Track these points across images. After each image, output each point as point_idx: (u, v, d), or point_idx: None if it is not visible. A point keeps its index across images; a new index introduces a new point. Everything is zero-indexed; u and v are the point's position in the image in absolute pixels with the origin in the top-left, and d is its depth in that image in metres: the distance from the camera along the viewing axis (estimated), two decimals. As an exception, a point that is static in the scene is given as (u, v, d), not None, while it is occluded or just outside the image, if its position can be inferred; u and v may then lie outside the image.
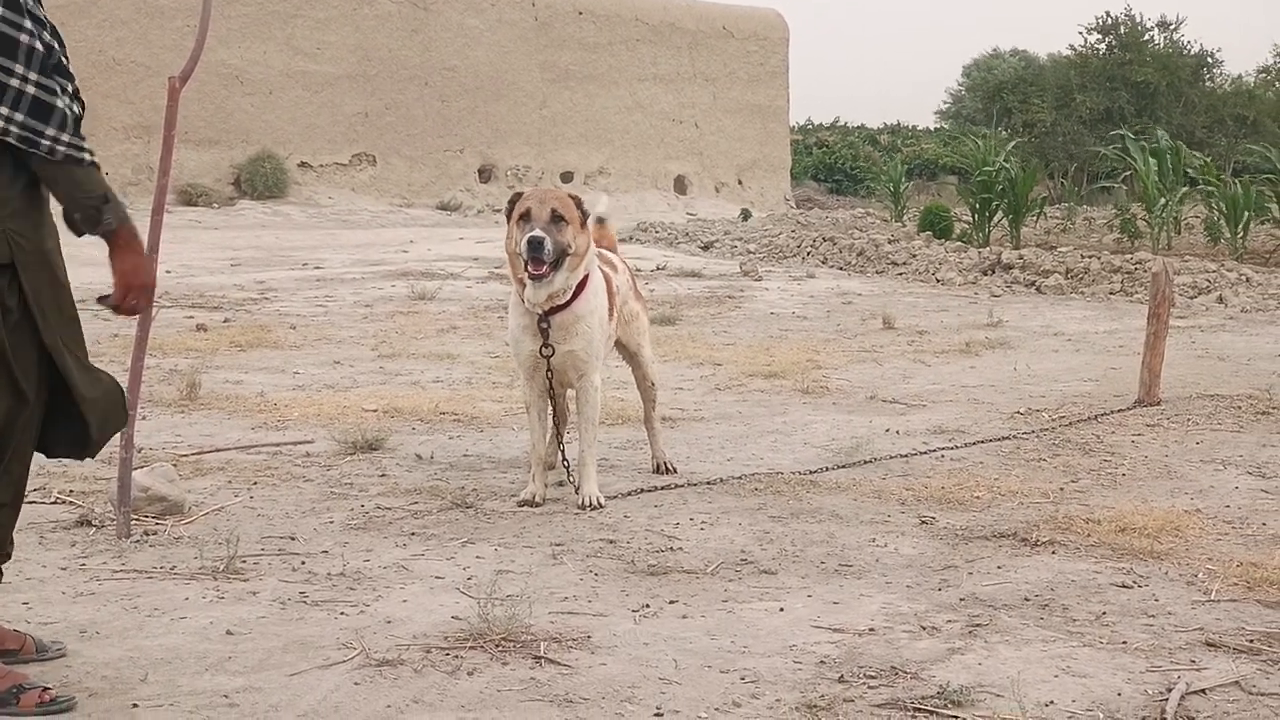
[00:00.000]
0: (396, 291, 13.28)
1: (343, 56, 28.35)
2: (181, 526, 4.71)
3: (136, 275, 3.21)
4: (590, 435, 5.17)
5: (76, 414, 3.21)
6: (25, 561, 4.25)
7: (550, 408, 5.47)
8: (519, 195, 5.03)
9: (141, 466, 4.94)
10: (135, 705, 3.17)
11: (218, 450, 5.96)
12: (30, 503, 4.90)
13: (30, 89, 2.99)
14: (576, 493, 5.19)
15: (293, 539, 4.60)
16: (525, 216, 4.92)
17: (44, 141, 3.00)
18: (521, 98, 31.16)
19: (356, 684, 3.32)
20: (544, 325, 5.06)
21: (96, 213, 3.11)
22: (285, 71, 27.58)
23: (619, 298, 5.44)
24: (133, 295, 3.22)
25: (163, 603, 3.91)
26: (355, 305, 12.21)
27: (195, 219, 23.65)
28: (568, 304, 5.05)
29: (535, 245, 4.81)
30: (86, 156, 3.08)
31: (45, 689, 3.15)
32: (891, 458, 6.01)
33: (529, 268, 4.87)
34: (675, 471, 5.68)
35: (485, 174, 30.97)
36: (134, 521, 4.59)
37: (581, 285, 5.06)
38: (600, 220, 5.53)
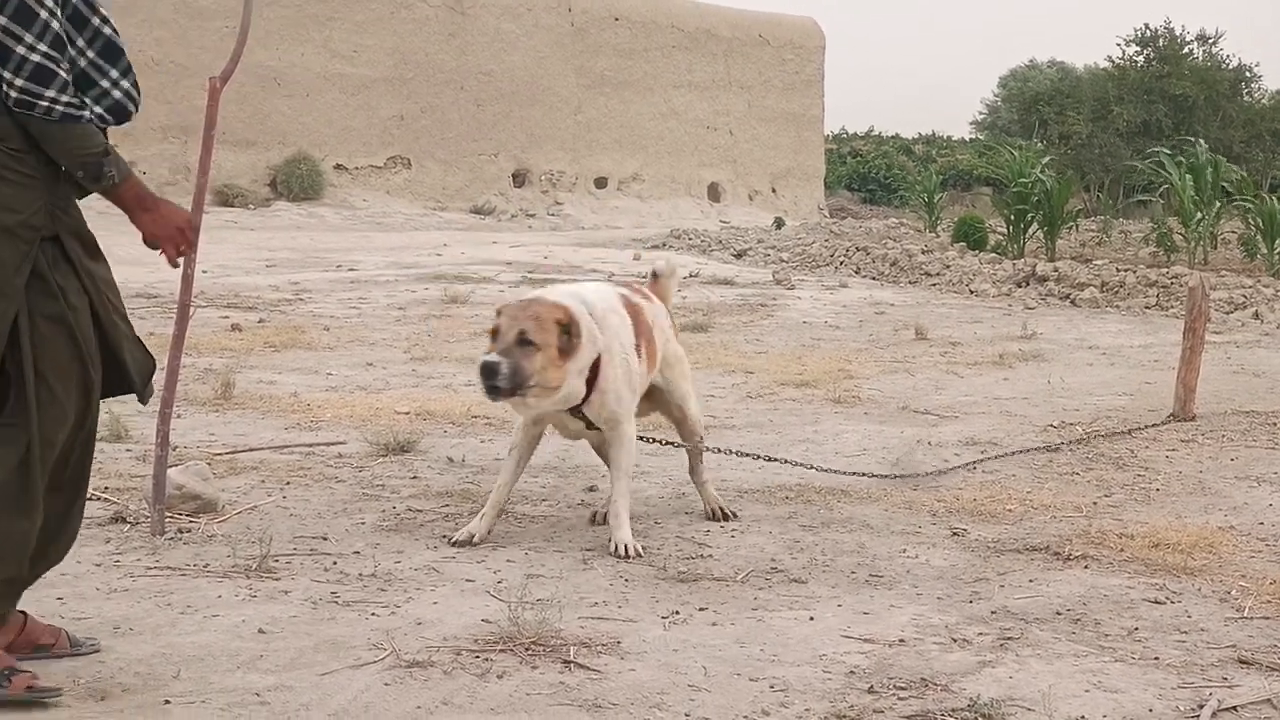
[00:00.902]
0: (430, 294, 13.32)
1: (379, 60, 28.51)
2: (215, 525, 4.73)
3: (161, 225, 3.31)
4: (623, 485, 4.71)
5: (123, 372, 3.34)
6: (60, 557, 4.29)
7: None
8: (499, 310, 4.55)
9: (176, 464, 4.97)
10: (167, 701, 3.19)
11: (251, 450, 6.00)
12: (66, 498, 4.96)
13: (35, 57, 3.08)
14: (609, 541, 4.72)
15: (325, 539, 4.63)
16: (494, 334, 4.46)
17: (42, 102, 3.08)
18: (556, 103, 31.24)
19: (387, 684, 3.33)
20: (575, 413, 4.67)
21: (98, 167, 3.18)
22: (322, 74, 27.74)
23: (658, 333, 4.99)
24: (169, 243, 3.32)
25: (195, 600, 3.93)
26: (389, 308, 12.26)
27: (231, 219, 23.82)
28: (585, 399, 4.61)
29: (486, 372, 4.33)
30: (85, 114, 3.14)
31: (35, 675, 3.17)
32: (929, 473, 5.99)
33: (486, 394, 4.43)
34: (736, 518, 5.07)
35: (519, 178, 31.07)
36: (168, 519, 4.62)
37: (595, 366, 4.58)
38: (655, 275, 5.32)
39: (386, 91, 28.51)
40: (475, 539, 4.61)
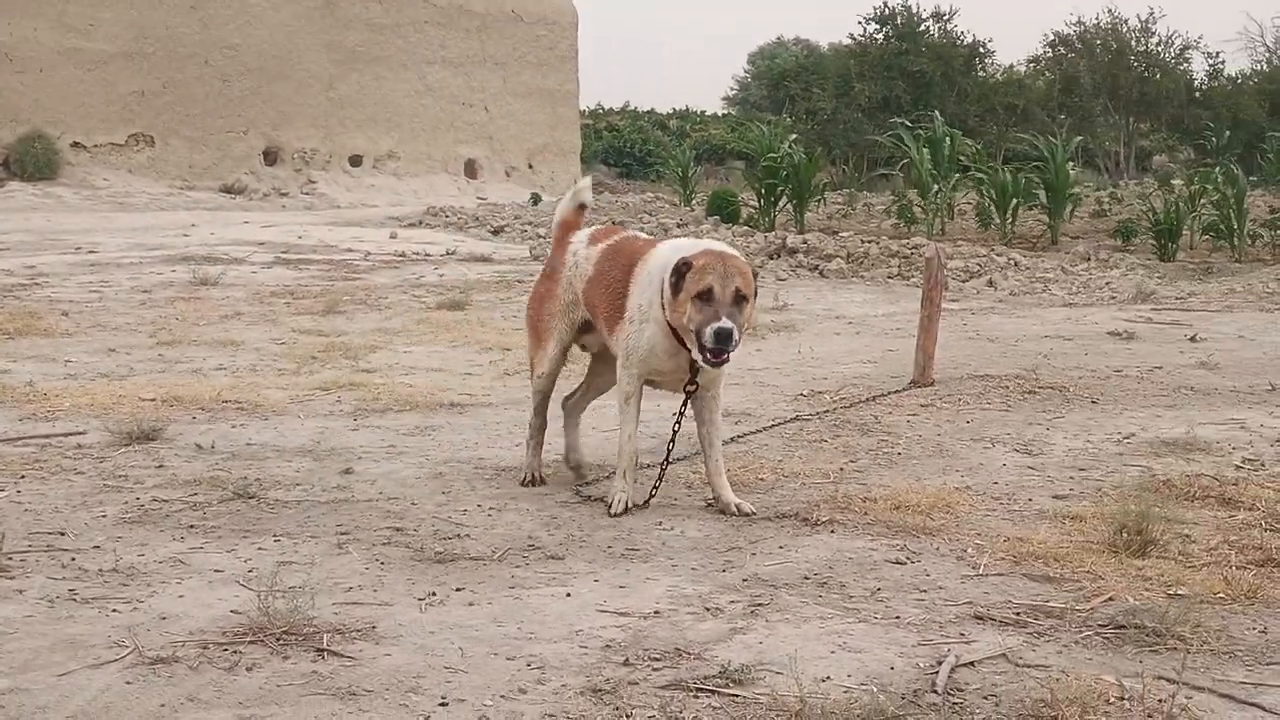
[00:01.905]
0: (177, 277, 12.89)
1: (117, 34, 27.39)
2: (-58, 524, 4.49)
3: None
4: (720, 445, 4.89)
5: None
6: None
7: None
8: (687, 264, 4.47)
9: (-103, 462, 4.70)
10: (-110, 714, 3.02)
11: (-18, 444, 5.71)
12: None
13: None
14: (716, 502, 4.89)
15: (62, 534, 4.44)
16: (707, 296, 4.43)
17: None
18: (307, 79, 30.56)
19: (129, 683, 3.21)
20: (695, 368, 4.71)
21: None
22: (56, 49, 26.51)
23: None
24: None
25: (-79, 605, 3.73)
26: (132, 291, 11.81)
27: (-41, 201, 22.57)
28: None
29: (724, 339, 4.39)
30: None
31: None
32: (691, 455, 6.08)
33: (709, 356, 4.45)
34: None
35: (271, 156, 30.30)
36: (-111, 520, 4.37)
37: None
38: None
39: (126, 66, 27.42)
40: (634, 503, 4.82)
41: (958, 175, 19.32)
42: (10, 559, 4.10)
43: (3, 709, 3.05)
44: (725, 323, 4.40)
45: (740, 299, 4.47)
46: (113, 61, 27.22)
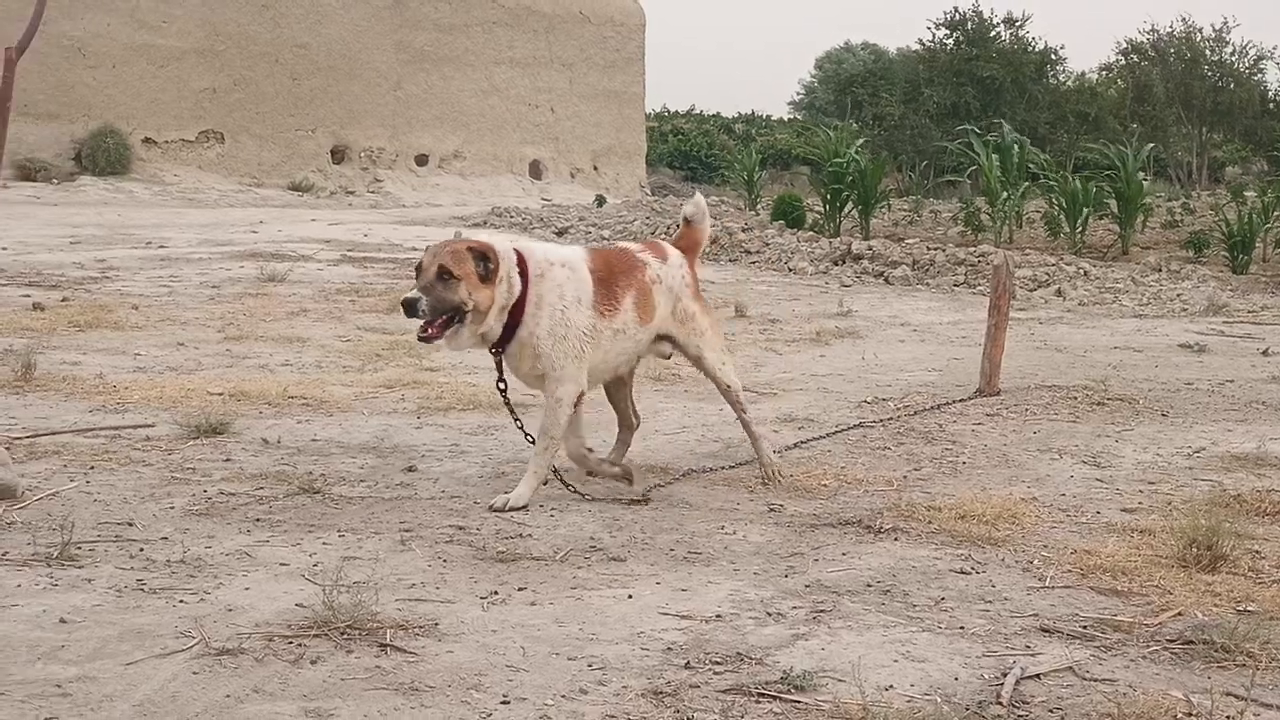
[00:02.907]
0: (245, 273, 13.02)
1: (190, 30, 27.71)
2: (14, 511, 4.56)
3: None
4: (541, 444, 4.96)
5: None
6: None
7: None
8: (425, 249, 4.88)
9: (-28, 450, 4.77)
10: (-38, 697, 3.06)
11: (53, 433, 5.79)
12: None
13: None
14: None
15: (131, 525, 4.49)
16: (415, 272, 4.80)
17: None
18: (376, 78, 30.79)
19: (195, 673, 3.25)
20: (498, 359, 4.99)
21: None
22: (130, 45, 26.86)
23: (662, 291, 5.23)
24: None
25: (-7, 591, 3.78)
26: (201, 286, 11.95)
27: (33, 194, 22.94)
28: (510, 336, 4.90)
29: (408, 308, 4.71)
30: None
31: None
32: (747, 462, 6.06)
33: (417, 331, 4.78)
34: (782, 480, 5.33)
35: (338, 155, 30.55)
36: (-37, 507, 4.43)
37: (518, 311, 4.86)
38: (687, 221, 5.50)
39: (198, 63, 27.74)
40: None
41: (1026, 183, 19.13)
42: (80, 548, 4.15)
43: (70, 697, 3.09)
44: (411, 294, 4.72)
45: (444, 275, 4.70)
46: (185, 58, 27.55)
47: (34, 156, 24.75)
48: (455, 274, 4.69)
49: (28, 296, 10.39)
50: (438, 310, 4.68)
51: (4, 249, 14.41)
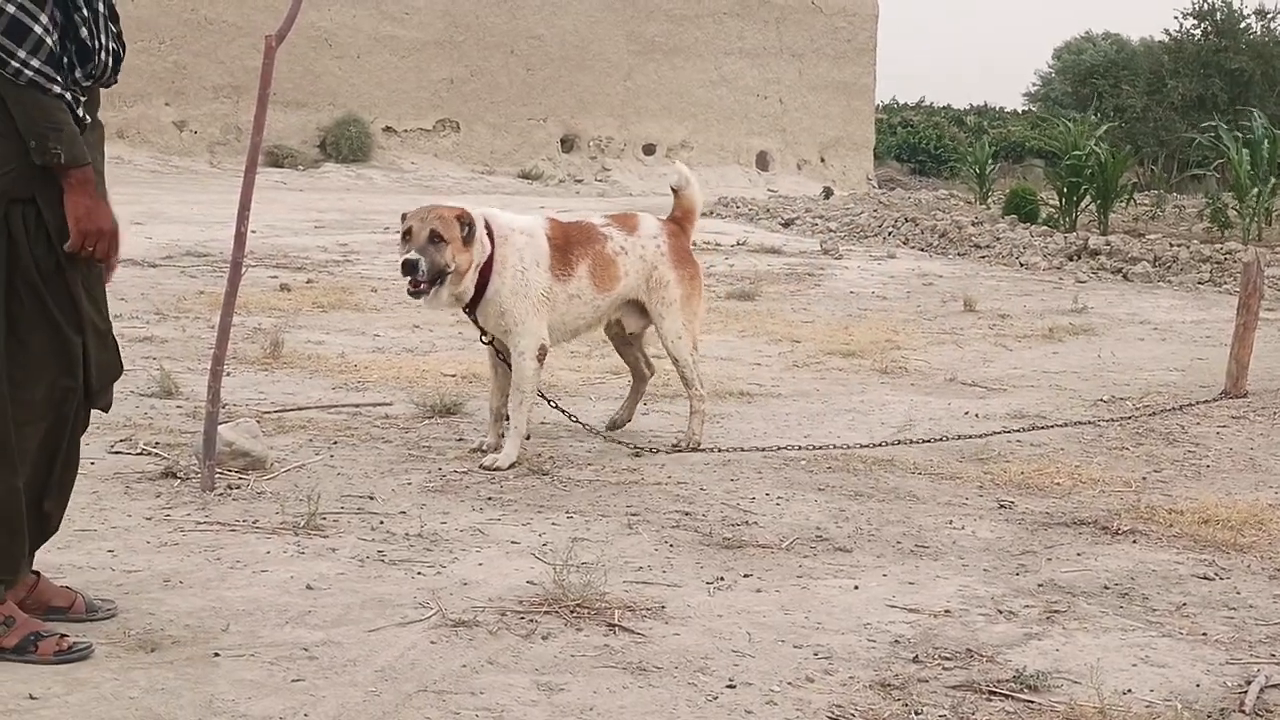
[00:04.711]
0: (477, 258, 13.30)
1: (430, 22, 28.48)
2: (264, 482, 4.77)
3: (89, 219, 3.11)
4: (516, 398, 5.28)
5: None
6: (110, 510, 4.34)
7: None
8: (403, 215, 5.20)
9: (226, 421, 5.00)
10: (217, 654, 3.22)
11: (300, 408, 6.04)
12: (116, 453, 5.01)
13: (10, 8, 2.98)
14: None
15: (372, 498, 4.65)
16: (405, 237, 5.10)
17: (13, 63, 2.99)
18: (606, 68, 31.15)
19: (433, 643, 3.35)
20: (472, 317, 5.37)
21: (45, 140, 3.03)
22: (374, 36, 27.75)
23: (628, 259, 5.58)
24: (89, 240, 3.12)
25: (245, 555, 3.97)
26: (436, 270, 12.25)
27: (281, 180, 23.89)
28: (479, 297, 5.25)
29: (409, 268, 5.02)
30: (55, 88, 3.03)
31: (62, 636, 3.17)
32: (970, 437, 5.95)
33: (408, 287, 5.09)
34: (694, 450, 5.63)
35: (568, 144, 31.01)
36: (218, 475, 4.66)
37: (486, 271, 5.21)
38: (675, 190, 5.86)
39: (437, 54, 28.50)
40: (485, 445, 5.39)
41: (1277, 179, 18.28)
42: (325, 519, 4.32)
43: (316, 660, 3.22)
44: (411, 254, 5.02)
45: (435, 238, 5.02)
46: (425, 49, 28.33)
47: (282, 144, 25.78)
48: (444, 238, 5.04)
49: (275, 278, 10.83)
50: (432, 271, 5.03)
51: (254, 232, 15.05)
